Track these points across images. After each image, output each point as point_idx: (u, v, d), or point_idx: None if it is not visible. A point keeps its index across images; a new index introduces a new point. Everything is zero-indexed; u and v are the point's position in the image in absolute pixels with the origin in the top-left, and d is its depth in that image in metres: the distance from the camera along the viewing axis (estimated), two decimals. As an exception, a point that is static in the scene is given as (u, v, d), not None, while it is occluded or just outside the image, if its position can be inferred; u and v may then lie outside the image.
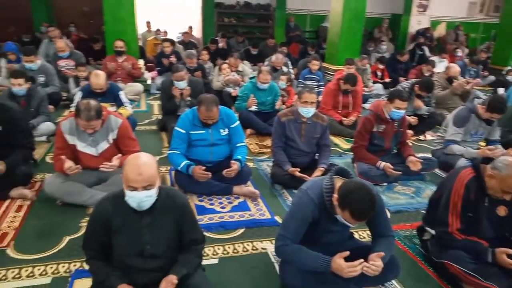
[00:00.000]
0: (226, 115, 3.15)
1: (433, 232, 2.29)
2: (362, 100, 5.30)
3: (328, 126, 3.43)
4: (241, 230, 2.63)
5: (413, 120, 4.65)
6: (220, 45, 8.55)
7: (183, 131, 3.05)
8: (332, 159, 3.60)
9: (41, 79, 5.04)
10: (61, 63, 5.97)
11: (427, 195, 3.07)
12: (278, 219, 2.77)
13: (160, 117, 4.90)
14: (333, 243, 2.05)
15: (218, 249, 2.41)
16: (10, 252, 2.28)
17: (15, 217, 2.64)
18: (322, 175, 3.01)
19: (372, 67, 7.35)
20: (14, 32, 9.01)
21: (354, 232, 2.46)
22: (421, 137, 4.80)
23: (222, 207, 2.91)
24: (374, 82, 6.97)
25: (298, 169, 3.13)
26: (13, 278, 2.07)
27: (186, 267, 1.81)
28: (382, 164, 3.37)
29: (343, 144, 4.46)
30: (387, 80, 7.34)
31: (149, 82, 6.72)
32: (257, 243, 2.48)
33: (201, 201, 2.98)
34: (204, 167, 2.95)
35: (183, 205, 1.85)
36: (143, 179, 1.65)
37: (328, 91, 4.86)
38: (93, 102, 2.70)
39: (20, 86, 3.86)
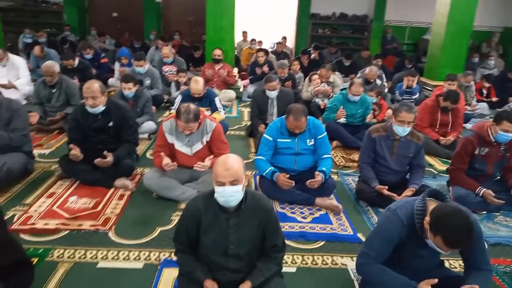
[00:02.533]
0: (313, 125, 3.15)
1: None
2: (463, 119, 4.90)
3: (423, 145, 3.23)
4: (321, 243, 2.60)
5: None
6: (313, 56, 8.57)
7: (271, 139, 3.13)
8: (425, 180, 3.38)
9: (147, 82, 5.55)
10: (165, 68, 6.51)
11: (535, 230, 2.73)
12: (361, 236, 2.68)
13: (249, 123, 5.07)
14: (421, 268, 1.92)
15: (297, 258, 2.42)
16: (111, 235, 2.54)
17: (117, 204, 2.94)
18: (413, 196, 2.84)
19: (477, 84, 6.75)
20: (127, 39, 10.06)
21: (445, 261, 2.28)
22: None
23: (303, 217, 2.91)
24: (479, 101, 6.39)
25: (386, 187, 3.00)
26: (112, 258, 2.31)
27: (264, 274, 1.85)
28: (482, 190, 3.07)
29: (439, 165, 4.16)
30: (494, 99, 6.68)
31: (241, 89, 7.00)
32: (337, 258, 2.44)
33: (282, 208, 3.01)
34: (288, 175, 2.99)
35: (268, 209, 1.90)
36: (230, 174, 1.74)
37: (425, 107, 4.58)
38: (192, 106, 2.90)
39: (129, 90, 4.30)
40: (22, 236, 2.47)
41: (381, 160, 3.18)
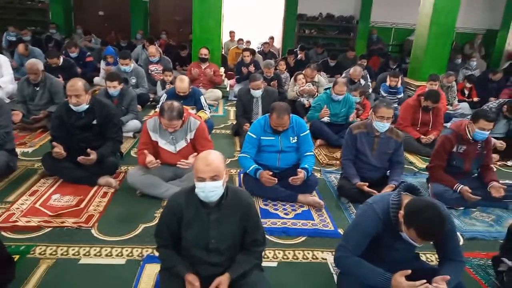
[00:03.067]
0: (296, 123, 3.20)
1: (510, 263, 2.11)
2: (444, 118, 5.02)
3: (403, 143, 3.31)
4: (303, 238, 2.65)
5: (499, 144, 4.29)
6: (299, 56, 8.64)
7: (255, 136, 3.17)
8: (406, 177, 3.46)
9: (133, 80, 5.55)
10: (151, 67, 6.51)
11: (508, 224, 2.81)
12: (342, 232, 2.73)
13: (235, 122, 5.11)
14: (396, 261, 1.98)
15: (279, 253, 2.46)
16: (94, 232, 2.55)
17: (100, 202, 2.94)
18: (392, 192, 2.91)
19: (459, 84, 6.90)
20: (114, 38, 10.00)
21: (422, 254, 2.35)
22: (509, 163, 4.39)
23: (286, 214, 2.95)
24: (460, 101, 6.54)
25: (367, 184, 3.07)
26: (95, 255, 2.32)
27: (243, 267, 1.89)
28: (460, 187, 3.16)
29: (419, 162, 4.25)
30: (475, 99, 6.84)
31: (228, 89, 7.03)
32: (317, 253, 2.49)
33: (266, 205, 3.05)
34: (271, 173, 3.04)
35: (249, 204, 1.94)
36: (210, 170, 1.78)
37: (406, 106, 4.67)
38: (176, 104, 2.92)
39: (114, 88, 4.30)
40: (3, 233, 2.46)
41: (362, 157, 3.25)
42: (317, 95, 5.46)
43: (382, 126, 3.15)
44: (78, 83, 3.07)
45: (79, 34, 10.01)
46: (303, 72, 5.75)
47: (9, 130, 3.21)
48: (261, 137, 3.17)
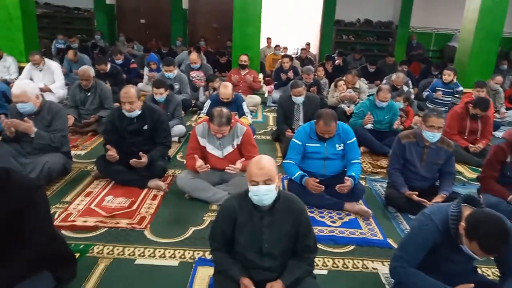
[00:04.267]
0: (343, 130, 3.19)
1: None
2: (492, 127, 4.83)
3: (454, 153, 3.22)
4: (351, 247, 2.63)
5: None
6: (337, 62, 8.59)
7: (299, 143, 3.18)
8: (455, 188, 3.35)
9: (176, 86, 5.69)
10: (193, 73, 6.66)
11: None
12: (391, 242, 2.69)
13: (274, 128, 5.14)
14: (454, 274, 1.93)
15: (328, 261, 2.45)
16: (147, 233, 2.64)
17: (151, 204, 3.04)
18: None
19: (506, 92, 6.63)
20: (155, 45, 10.31)
21: (478, 267, 2.27)
22: None
23: (333, 222, 2.94)
24: (508, 109, 6.27)
25: (416, 193, 3.00)
26: (149, 256, 2.40)
27: (295, 274, 1.89)
28: (514, 198, 3.04)
29: (468, 172, 4.11)
30: (524, 107, 6.54)
31: (266, 95, 7.08)
32: (368, 262, 2.46)
33: (311, 212, 3.05)
34: (318, 180, 3.03)
35: (301, 209, 1.96)
36: (263, 173, 1.82)
37: (453, 114, 4.54)
38: (225, 110, 2.99)
39: (161, 95, 4.43)
40: (64, 232, 2.59)
41: (410, 167, 3.18)
42: (359, 101, 5.41)
43: (432, 136, 3.08)
44: (131, 90, 3.20)
45: (122, 41, 10.40)
46: (344, 78, 5.71)
47: (66, 133, 3.38)
48: (306, 144, 3.18)
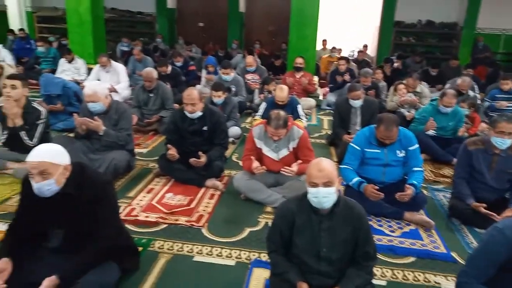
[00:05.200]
0: (405, 136, 3.07)
1: None
2: None
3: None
4: (412, 259, 2.52)
5: None
6: (396, 65, 8.30)
7: (358, 148, 3.10)
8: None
9: (233, 89, 5.80)
10: (248, 76, 6.74)
11: None
12: (455, 255, 2.55)
13: (329, 132, 5.06)
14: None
15: (387, 271, 2.37)
16: (205, 231, 2.71)
17: (208, 203, 3.12)
18: (515, 216, 2.64)
19: None
20: (212, 48, 10.59)
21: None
22: None
23: (391, 231, 2.84)
24: None
25: (484, 205, 2.82)
26: (207, 254, 2.46)
27: (354, 281, 1.85)
28: None
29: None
30: None
31: (320, 98, 7.00)
32: (430, 276, 2.34)
33: (369, 220, 2.94)
34: (377, 187, 2.94)
35: (361, 215, 1.92)
36: (323, 175, 1.81)
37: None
38: (282, 113, 3.00)
39: (219, 97, 4.53)
40: (127, 226, 2.72)
41: (477, 176, 2.99)
42: (419, 106, 5.18)
43: (502, 142, 2.88)
44: (194, 93, 3.31)
45: (181, 44, 10.78)
46: (404, 81, 5.50)
47: (130, 132, 3.56)
48: (365, 149, 3.09)
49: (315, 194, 1.83)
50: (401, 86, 5.40)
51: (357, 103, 4.45)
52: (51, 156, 1.83)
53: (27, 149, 3.25)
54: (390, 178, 3.09)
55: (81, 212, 1.91)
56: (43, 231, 1.98)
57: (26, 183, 1.91)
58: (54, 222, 1.94)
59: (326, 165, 1.86)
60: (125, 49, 9.98)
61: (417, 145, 3.08)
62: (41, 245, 1.98)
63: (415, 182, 2.92)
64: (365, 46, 10.16)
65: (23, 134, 3.25)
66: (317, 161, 1.89)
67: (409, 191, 2.86)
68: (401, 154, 3.06)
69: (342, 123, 4.55)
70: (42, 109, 3.40)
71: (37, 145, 3.18)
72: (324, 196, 1.83)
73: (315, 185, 1.82)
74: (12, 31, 9.71)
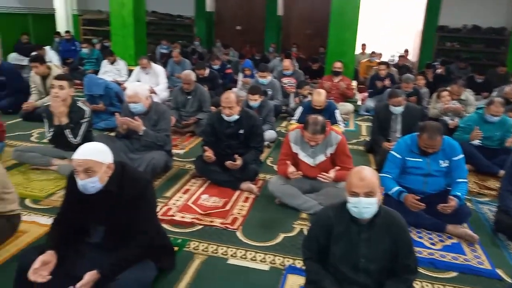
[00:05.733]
0: (449, 145, 2.94)
1: None
2: None
3: None
4: (453, 273, 2.41)
5: None
6: (438, 71, 8.01)
7: (399, 156, 3.00)
8: None
9: (269, 92, 5.79)
10: (284, 80, 6.71)
11: None
12: (501, 273, 2.41)
13: (368, 138, 4.95)
14: None
15: (426, 285, 2.28)
16: (239, 234, 2.71)
17: (243, 206, 3.12)
18: None
19: None
20: (249, 51, 10.65)
21: None
22: None
23: (432, 243, 2.72)
24: None
25: (535, 222, 2.65)
26: (241, 257, 2.46)
27: None
28: None
29: None
30: None
31: (359, 103, 6.87)
32: (473, 293, 2.23)
33: (409, 231, 2.85)
34: (418, 197, 2.83)
35: (403, 226, 1.87)
36: (364, 185, 1.76)
37: None
38: (320, 118, 2.96)
39: (255, 101, 4.54)
40: (164, 225, 2.76)
41: (527, 190, 2.83)
42: (464, 114, 4.97)
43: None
44: (231, 96, 3.34)
45: (218, 47, 10.91)
46: (449, 88, 5.29)
47: (169, 133, 3.63)
48: (406, 158, 2.99)
49: (355, 204, 1.79)
50: (445, 93, 5.19)
51: (398, 110, 4.32)
52: (96, 155, 1.88)
53: (70, 147, 3.43)
54: (432, 189, 2.97)
55: (122, 210, 1.95)
56: (85, 227, 2.04)
57: (71, 180, 1.98)
58: (96, 218, 2.00)
59: (368, 174, 1.80)
60: (164, 51, 10.22)
61: (462, 155, 2.95)
62: (84, 240, 2.04)
63: (459, 194, 2.79)
64: (406, 51, 9.88)
65: (67, 132, 3.39)
66: (359, 170, 1.84)
67: (453, 202, 2.73)
68: (444, 164, 2.93)
69: (381, 130, 4.43)
70: (87, 109, 3.53)
71: (81, 142, 3.35)
72: (364, 207, 1.78)
73: (355, 194, 1.78)
74: (58, 33, 10.19)
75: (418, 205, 2.77)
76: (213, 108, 4.94)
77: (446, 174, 2.96)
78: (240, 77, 7.21)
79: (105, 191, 1.92)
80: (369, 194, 1.77)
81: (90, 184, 1.87)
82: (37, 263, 1.79)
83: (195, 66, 6.58)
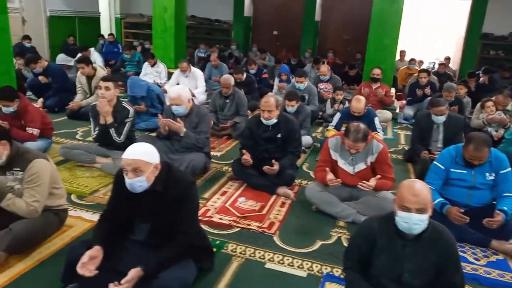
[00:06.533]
0: (496, 158, 2.83)
1: None
2: None
3: None
4: (500, 292, 2.31)
5: None
6: (481, 80, 7.72)
7: (443, 167, 2.92)
8: None
9: (305, 97, 5.77)
10: (321, 85, 6.68)
11: None
12: (551, 294, 2.29)
13: (407, 147, 4.83)
14: None
15: (471, 303, 2.20)
16: (276, 239, 2.71)
17: (279, 211, 3.12)
18: None
19: None
20: (285, 56, 10.66)
21: None
22: None
23: (476, 259, 2.63)
24: None
25: None
26: (278, 262, 2.46)
27: None
28: None
29: None
30: None
31: (397, 111, 6.72)
32: (521, 313, 2.13)
33: (457, 247, 2.76)
34: (461, 210, 2.74)
35: (451, 243, 1.81)
36: (417, 201, 1.71)
37: None
38: (362, 126, 2.92)
39: (292, 107, 4.53)
40: (202, 226, 2.81)
41: None
42: (510, 125, 4.76)
43: None
44: (271, 100, 3.36)
45: (254, 51, 10.99)
46: (493, 98, 5.08)
47: (208, 135, 3.70)
48: (450, 169, 2.90)
49: (405, 219, 1.75)
50: (490, 103, 5.00)
51: (440, 119, 4.19)
52: (144, 155, 1.95)
53: (114, 145, 3.56)
54: (476, 202, 2.87)
55: (166, 209, 2.01)
56: (130, 224, 2.11)
57: (118, 178, 2.06)
58: (141, 217, 2.07)
59: (421, 189, 1.75)
60: (202, 55, 10.41)
61: (509, 169, 2.83)
62: (128, 237, 2.11)
63: (505, 209, 2.68)
64: (447, 59, 9.57)
65: (112, 131, 3.52)
66: (411, 184, 1.78)
67: (499, 217, 2.62)
68: (490, 177, 2.83)
69: (422, 139, 4.31)
70: (131, 109, 3.65)
71: (124, 141, 3.47)
72: (415, 223, 1.74)
73: (407, 209, 1.73)
74: (102, 35, 10.60)
75: (462, 218, 2.68)
76: (249, 113, 4.98)
77: (492, 188, 2.85)
78: (276, 82, 7.23)
79: (151, 190, 1.98)
80: (421, 211, 1.72)
81: (138, 183, 1.94)
82: (85, 258, 1.86)
83: (233, 70, 6.66)
